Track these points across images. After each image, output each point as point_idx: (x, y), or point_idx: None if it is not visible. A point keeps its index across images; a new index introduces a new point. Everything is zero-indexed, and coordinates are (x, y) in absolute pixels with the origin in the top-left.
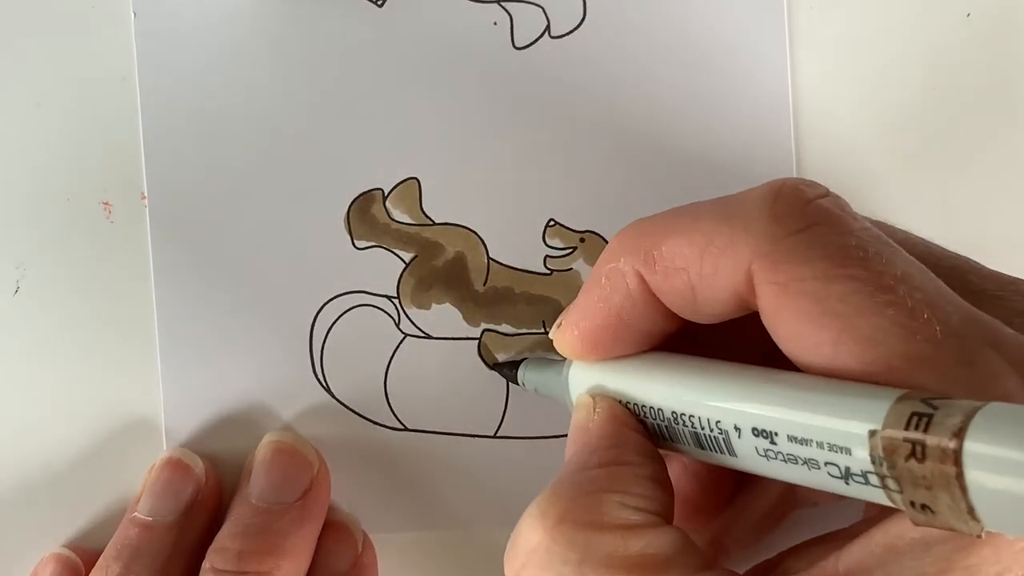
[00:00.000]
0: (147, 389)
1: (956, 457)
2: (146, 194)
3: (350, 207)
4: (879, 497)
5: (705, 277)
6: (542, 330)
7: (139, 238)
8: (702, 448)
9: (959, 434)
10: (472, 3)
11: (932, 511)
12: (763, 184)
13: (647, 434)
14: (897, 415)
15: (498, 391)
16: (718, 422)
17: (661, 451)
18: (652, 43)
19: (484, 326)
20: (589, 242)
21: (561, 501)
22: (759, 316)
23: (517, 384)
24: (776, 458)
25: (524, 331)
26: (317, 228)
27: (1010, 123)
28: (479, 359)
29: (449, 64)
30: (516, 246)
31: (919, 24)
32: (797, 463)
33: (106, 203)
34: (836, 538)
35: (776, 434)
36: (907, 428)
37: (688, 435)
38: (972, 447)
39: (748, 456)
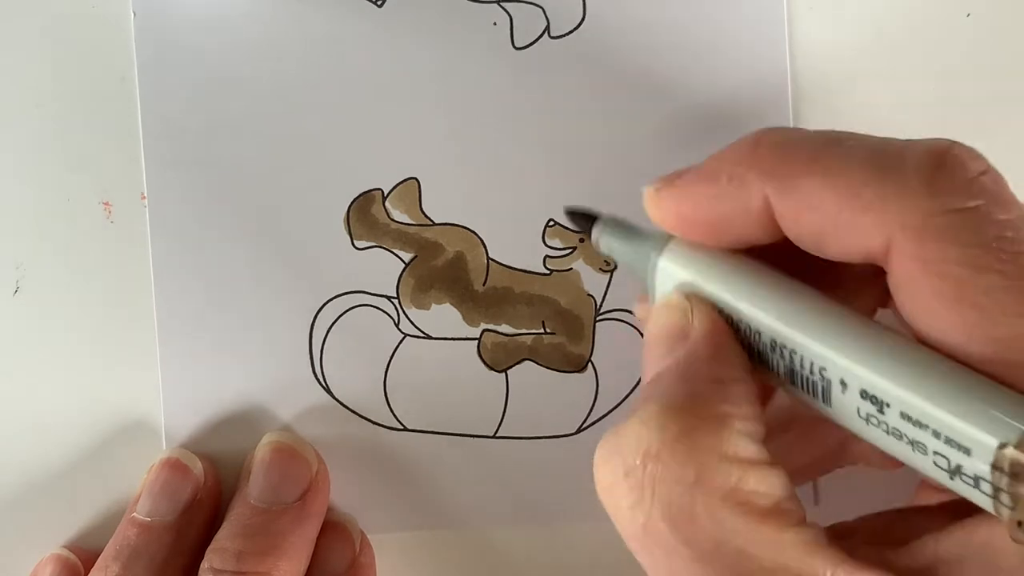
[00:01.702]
0: (147, 389)
1: None
2: (146, 194)
3: (350, 207)
4: (982, 501)
5: (840, 227)
6: (542, 330)
7: (139, 238)
8: (794, 384)
9: None
10: (472, 3)
11: None
12: (925, 141)
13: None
14: None
15: (498, 391)
16: (823, 369)
17: None
18: (652, 43)
19: (484, 326)
20: (588, 243)
21: (682, 417)
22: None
23: (588, 239)
24: (879, 427)
25: (524, 331)
26: (317, 228)
27: (1010, 123)
28: (479, 359)
29: (449, 64)
30: (516, 246)
31: (919, 24)
32: (901, 439)
33: (106, 203)
34: (930, 515)
35: (888, 406)
36: None
37: (783, 367)
38: None
39: (845, 413)
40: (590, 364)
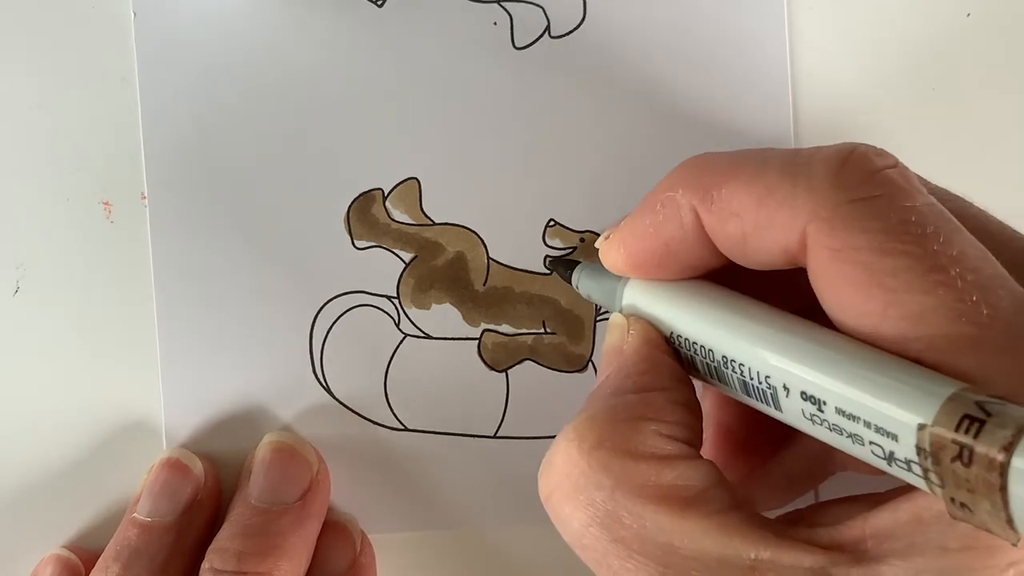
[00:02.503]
0: (147, 389)
1: (1003, 469)
2: (146, 194)
3: (350, 207)
4: (920, 484)
5: (759, 228)
6: (542, 330)
7: (139, 238)
8: (748, 395)
9: (1009, 448)
10: (472, 3)
11: (971, 511)
12: (833, 145)
13: (677, 358)
14: (948, 414)
15: (498, 391)
16: (767, 377)
17: (708, 385)
18: (652, 43)
19: (484, 326)
20: (589, 242)
21: (598, 426)
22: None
23: (569, 284)
24: (822, 424)
25: (524, 331)
26: (317, 228)
27: (1011, 123)
28: (479, 359)
29: (449, 64)
30: (516, 246)
31: (919, 24)
32: (842, 434)
33: (106, 203)
34: (865, 500)
35: (825, 403)
36: (957, 430)
37: (736, 381)
38: (1020, 463)
39: (794, 416)
40: (590, 364)
